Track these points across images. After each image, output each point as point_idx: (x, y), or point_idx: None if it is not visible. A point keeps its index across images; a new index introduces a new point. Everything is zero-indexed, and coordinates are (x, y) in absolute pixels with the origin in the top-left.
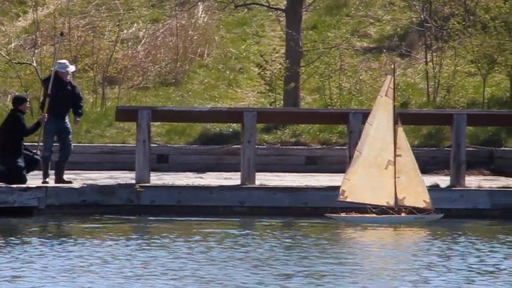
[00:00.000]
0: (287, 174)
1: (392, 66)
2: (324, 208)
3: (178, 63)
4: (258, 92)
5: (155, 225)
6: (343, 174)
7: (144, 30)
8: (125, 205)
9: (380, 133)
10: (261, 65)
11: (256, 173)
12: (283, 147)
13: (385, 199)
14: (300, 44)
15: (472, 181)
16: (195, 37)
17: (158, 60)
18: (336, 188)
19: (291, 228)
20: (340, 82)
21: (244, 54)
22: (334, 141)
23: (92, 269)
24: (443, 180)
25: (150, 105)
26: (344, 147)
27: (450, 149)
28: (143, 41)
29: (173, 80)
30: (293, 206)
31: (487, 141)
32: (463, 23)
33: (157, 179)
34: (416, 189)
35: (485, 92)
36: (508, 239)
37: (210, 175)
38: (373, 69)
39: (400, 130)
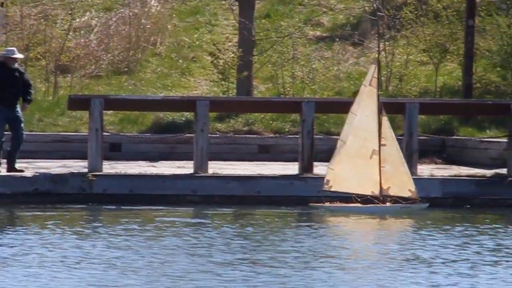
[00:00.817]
0: (240, 162)
1: (376, 56)
2: (277, 197)
3: (131, 52)
4: (211, 81)
5: (106, 214)
6: (296, 162)
7: (96, 18)
8: (78, 194)
9: (364, 122)
10: (214, 54)
11: (209, 162)
12: (236, 135)
13: (370, 189)
14: (253, 33)
15: (424, 169)
16: (148, 26)
17: (111, 49)
18: (289, 176)
19: (242, 217)
20: (293, 71)
21: (197, 43)
22: (287, 129)
23: (33, 258)
24: None
25: (102, 94)
26: (297, 136)
27: (402, 138)
28: (95, 29)
29: (126, 69)
30: (246, 195)
31: (439, 130)
32: (416, 12)
33: (109, 167)
34: (401, 179)
35: (437, 81)
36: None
37: (163, 164)
38: (326, 58)
39: (385, 119)
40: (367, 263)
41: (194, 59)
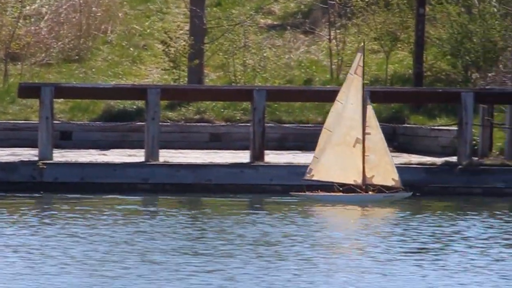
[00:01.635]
0: (191, 151)
1: (362, 44)
2: (228, 185)
3: (82, 40)
4: (162, 69)
5: (53, 203)
6: (247, 151)
7: (47, 6)
8: (28, 182)
9: (349, 111)
10: (165, 42)
11: (160, 150)
12: (187, 124)
13: (352, 178)
14: (204, 21)
15: None
16: (99, 14)
17: (61, 37)
18: (240, 164)
19: (191, 205)
20: (244, 59)
21: (148, 31)
22: (238, 118)
23: None
24: None
25: (53, 82)
26: (248, 124)
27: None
28: (46, 17)
29: (77, 57)
30: (196, 183)
31: (390, 118)
32: (366, 0)
33: (60, 156)
34: (385, 168)
35: (388, 69)
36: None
37: (113, 152)
38: (277, 46)
39: (369, 108)
40: (290, 250)
41: (145, 47)
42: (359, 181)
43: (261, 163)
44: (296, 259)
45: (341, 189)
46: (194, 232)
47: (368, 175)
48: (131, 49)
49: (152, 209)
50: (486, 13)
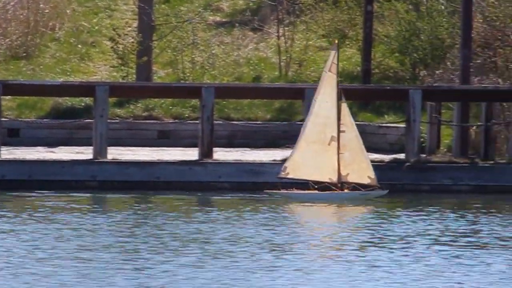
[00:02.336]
0: (139, 148)
1: (336, 41)
2: (176, 183)
3: (29, 37)
4: (110, 66)
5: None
6: (196, 148)
7: None
8: None
9: (323, 109)
10: (114, 39)
11: (109, 148)
12: (136, 121)
13: (327, 175)
14: (153, 18)
15: None
16: (47, 10)
17: (9, 34)
18: (188, 162)
19: (138, 202)
20: (193, 56)
21: (96, 27)
22: (186, 115)
23: None
24: None
25: (0, 79)
26: (197, 121)
27: (301, 123)
28: None
29: (24, 54)
30: (145, 180)
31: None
32: None
33: (7, 153)
34: (360, 165)
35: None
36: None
37: (62, 150)
38: (225, 43)
39: (344, 106)
40: (220, 248)
41: (94, 44)
42: (334, 179)
43: (210, 161)
44: (223, 256)
45: (316, 187)
46: (126, 230)
47: (343, 173)
48: (79, 46)
49: (99, 206)
50: (434, 10)
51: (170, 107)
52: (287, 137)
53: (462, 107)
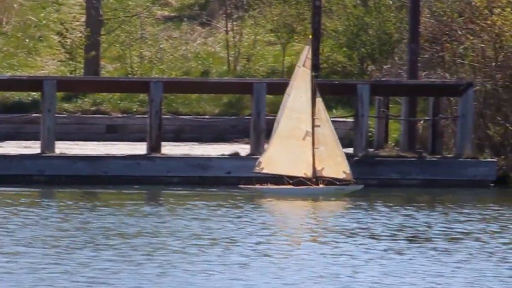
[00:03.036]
0: (87, 142)
1: (310, 36)
2: (124, 177)
3: None
4: (58, 61)
5: None
6: (144, 142)
7: None
8: None
9: (297, 104)
10: (61, 33)
11: (56, 142)
12: (84, 115)
13: (302, 170)
14: (101, 13)
15: None
16: None
17: None
18: (136, 156)
19: (82, 197)
20: (141, 50)
21: (44, 22)
22: (134, 109)
23: None
24: (243, 149)
25: None
26: (145, 116)
27: (250, 117)
28: None
29: None
30: (93, 174)
31: None
32: None
33: None
34: (335, 160)
35: (284, 61)
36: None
37: (9, 144)
38: (174, 38)
39: (319, 100)
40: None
41: (41, 38)
42: (309, 174)
43: (158, 155)
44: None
45: (291, 182)
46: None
47: (318, 167)
48: (27, 40)
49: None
50: (382, 5)
51: (118, 102)
52: (235, 131)
53: (409, 102)
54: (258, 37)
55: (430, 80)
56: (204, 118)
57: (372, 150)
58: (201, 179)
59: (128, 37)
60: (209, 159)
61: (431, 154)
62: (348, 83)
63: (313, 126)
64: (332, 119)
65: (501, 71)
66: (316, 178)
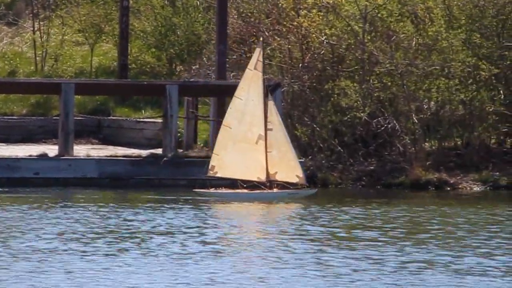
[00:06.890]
0: None
1: (261, 38)
2: None
3: None
4: None
5: None
6: None
7: None
8: None
9: (250, 107)
10: None
11: None
12: None
13: (256, 174)
14: None
15: (81, 150)
16: None
17: None
18: None
19: None
20: None
21: None
22: None
23: None
24: (52, 149)
25: None
26: None
27: (58, 118)
28: None
29: None
30: None
31: (95, 110)
32: None
33: None
34: (288, 164)
35: (93, 62)
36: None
37: None
38: None
39: (271, 103)
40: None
41: None
42: (263, 178)
43: None
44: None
45: (245, 186)
46: None
47: (271, 171)
48: None
49: None
50: (190, 6)
51: None
52: (43, 131)
53: (218, 102)
54: (66, 37)
55: (238, 80)
56: (11, 118)
57: (181, 150)
58: (8, 180)
59: None
60: (16, 160)
61: None
62: (156, 83)
63: (266, 129)
64: (141, 119)
65: (308, 72)
66: (270, 182)
